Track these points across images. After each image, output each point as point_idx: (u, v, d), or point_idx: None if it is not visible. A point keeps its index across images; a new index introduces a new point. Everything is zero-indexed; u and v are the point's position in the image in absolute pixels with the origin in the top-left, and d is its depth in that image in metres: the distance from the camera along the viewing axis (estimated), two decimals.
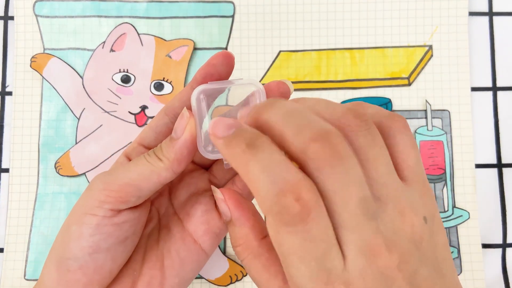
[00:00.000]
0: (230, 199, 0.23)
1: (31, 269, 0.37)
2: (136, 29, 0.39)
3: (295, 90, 0.39)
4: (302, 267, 0.17)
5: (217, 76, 0.25)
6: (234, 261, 0.37)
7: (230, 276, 0.36)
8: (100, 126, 0.38)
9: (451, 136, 0.38)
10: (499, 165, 0.39)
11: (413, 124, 0.39)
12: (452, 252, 0.37)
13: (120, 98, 0.38)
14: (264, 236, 0.22)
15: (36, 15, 0.39)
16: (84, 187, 0.37)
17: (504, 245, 0.38)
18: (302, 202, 0.17)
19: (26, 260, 0.37)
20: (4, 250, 0.37)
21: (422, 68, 0.39)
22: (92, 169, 0.38)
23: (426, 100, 0.39)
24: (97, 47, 0.39)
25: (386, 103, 0.39)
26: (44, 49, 0.39)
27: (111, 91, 0.38)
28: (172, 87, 0.38)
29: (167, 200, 0.28)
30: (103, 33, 0.39)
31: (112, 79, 0.38)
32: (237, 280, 0.36)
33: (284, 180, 0.17)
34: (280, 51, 0.39)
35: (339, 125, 0.18)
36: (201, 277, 0.37)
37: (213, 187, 0.24)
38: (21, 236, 0.37)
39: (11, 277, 0.37)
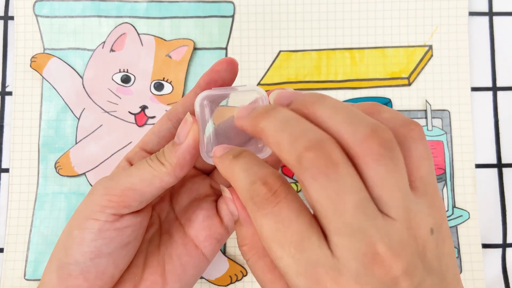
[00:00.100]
0: (238, 199, 0.23)
1: (31, 269, 0.37)
2: (136, 29, 0.39)
3: (296, 90, 0.39)
4: (284, 254, 0.18)
5: (220, 82, 0.25)
6: (234, 261, 0.37)
7: (230, 276, 0.36)
8: (100, 126, 0.38)
9: (451, 136, 0.38)
10: (499, 165, 0.39)
11: None
12: None
13: (120, 98, 0.38)
14: None
15: (36, 15, 0.39)
16: (84, 187, 0.38)
17: (504, 245, 0.38)
18: (268, 185, 0.19)
19: (26, 260, 0.37)
20: (4, 250, 0.37)
21: (422, 68, 0.39)
22: (92, 169, 0.38)
23: (426, 100, 0.39)
24: (97, 47, 0.39)
25: (386, 103, 0.39)
26: (44, 49, 0.39)
27: (111, 91, 0.38)
28: (172, 87, 0.38)
29: (168, 205, 0.28)
30: (103, 33, 0.39)
31: (112, 79, 0.38)
32: (237, 280, 0.37)
33: (256, 173, 0.20)
34: (280, 51, 0.39)
35: (359, 150, 0.18)
36: (201, 277, 0.37)
37: (222, 186, 0.24)
38: (21, 236, 0.37)
39: (11, 277, 0.37)
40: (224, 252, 0.37)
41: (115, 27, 0.39)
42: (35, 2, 0.39)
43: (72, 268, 0.24)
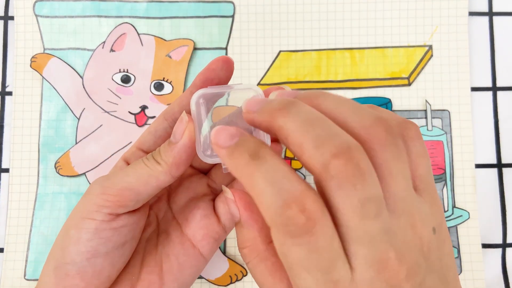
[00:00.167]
0: (240, 200, 0.22)
1: (31, 269, 0.37)
2: (136, 29, 0.39)
3: (294, 90, 0.39)
4: (309, 278, 0.17)
5: (216, 81, 0.25)
6: (234, 261, 0.37)
7: (230, 276, 0.36)
8: (100, 126, 0.38)
9: (451, 136, 0.38)
10: (499, 165, 0.39)
11: None
12: None
13: (120, 98, 0.38)
14: (271, 240, 0.21)
15: (36, 15, 0.39)
16: (84, 187, 0.38)
17: (504, 245, 0.38)
18: (307, 213, 0.17)
19: (26, 260, 0.37)
20: (4, 250, 0.37)
21: (422, 68, 0.39)
22: (92, 169, 0.38)
23: (426, 100, 0.39)
24: (97, 47, 0.39)
25: (386, 103, 0.39)
26: (44, 49, 0.39)
27: (111, 91, 0.38)
28: (172, 87, 0.38)
29: (166, 204, 0.28)
30: (103, 33, 0.39)
31: (112, 79, 0.38)
32: (237, 280, 0.36)
33: (289, 191, 0.17)
34: (280, 51, 0.39)
35: (367, 137, 0.18)
36: (201, 277, 0.37)
37: (224, 187, 0.24)
38: (21, 236, 0.37)
39: (11, 277, 0.37)
40: (224, 252, 0.37)
41: (115, 27, 0.39)
42: (35, 2, 0.39)
43: (69, 268, 0.24)
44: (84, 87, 0.38)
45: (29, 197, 0.38)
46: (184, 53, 0.38)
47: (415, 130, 0.20)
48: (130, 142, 0.38)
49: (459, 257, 0.38)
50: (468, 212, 0.38)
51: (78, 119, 0.38)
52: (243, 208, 0.22)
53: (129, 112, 0.38)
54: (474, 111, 0.39)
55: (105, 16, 0.39)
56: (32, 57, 0.38)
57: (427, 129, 0.38)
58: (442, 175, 0.38)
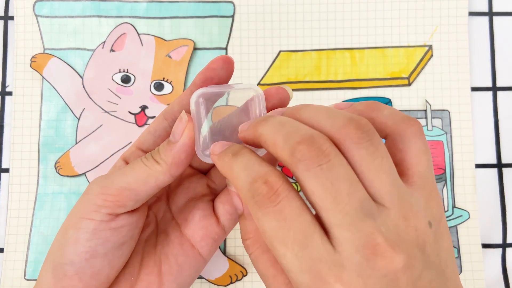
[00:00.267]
0: None
1: (31, 269, 0.37)
2: (136, 29, 0.39)
3: (296, 90, 0.39)
4: (288, 253, 0.18)
5: (216, 80, 0.25)
6: (234, 261, 0.37)
7: (230, 276, 0.36)
8: (100, 126, 0.38)
9: (451, 136, 0.38)
10: (499, 165, 0.39)
11: None
12: None
13: (120, 98, 0.38)
14: None
15: (36, 15, 0.39)
16: (84, 187, 0.37)
17: (504, 245, 0.38)
18: (270, 184, 0.19)
19: (26, 260, 0.37)
20: (4, 250, 0.37)
21: (422, 68, 0.39)
22: (92, 169, 0.38)
23: (426, 100, 0.39)
24: (97, 47, 0.39)
25: (386, 103, 0.39)
26: (44, 49, 0.39)
27: (111, 91, 0.38)
28: (172, 87, 0.38)
29: (165, 205, 0.28)
30: (103, 33, 0.39)
31: (112, 79, 0.38)
32: (237, 280, 0.36)
33: (256, 171, 0.20)
34: (280, 51, 0.39)
35: (340, 137, 0.19)
36: (201, 277, 0.37)
37: (227, 181, 0.24)
38: (21, 236, 0.37)
39: (11, 277, 0.37)
40: (224, 252, 0.37)
41: (115, 27, 0.39)
42: (35, 2, 0.39)
43: (67, 268, 0.24)
44: (84, 87, 0.38)
45: (29, 197, 0.38)
46: (184, 53, 0.38)
47: (417, 127, 0.20)
48: (130, 142, 0.38)
49: (459, 257, 0.38)
50: (468, 212, 0.38)
51: (78, 119, 0.38)
52: None
53: (129, 112, 0.38)
54: (474, 111, 0.39)
55: (105, 16, 0.39)
56: (32, 57, 0.38)
57: (427, 129, 0.38)
58: (442, 175, 0.38)
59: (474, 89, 0.39)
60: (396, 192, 0.19)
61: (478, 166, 0.39)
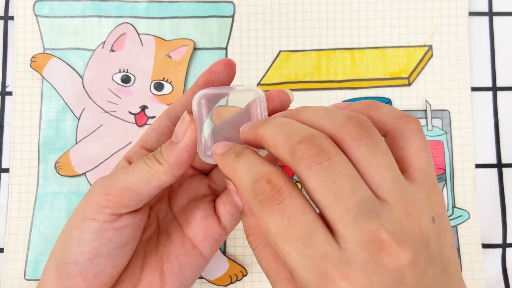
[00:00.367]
0: None
1: (31, 269, 0.37)
2: (136, 29, 0.39)
3: (296, 90, 0.39)
4: (292, 251, 0.18)
5: (218, 83, 0.26)
6: (234, 261, 0.37)
7: (230, 276, 0.36)
8: (100, 126, 0.38)
9: (451, 136, 0.38)
10: (499, 165, 0.39)
11: None
12: None
13: (120, 98, 0.38)
14: None
15: (36, 15, 0.39)
16: (84, 187, 0.38)
17: (504, 245, 0.38)
18: (273, 183, 0.19)
19: (26, 260, 0.37)
20: (4, 250, 0.37)
21: (422, 68, 0.39)
22: (92, 169, 0.38)
23: (426, 100, 0.39)
24: (97, 47, 0.39)
25: (386, 103, 0.39)
26: (44, 49, 0.39)
27: (111, 91, 0.38)
28: (172, 87, 0.38)
29: (166, 205, 0.28)
30: (103, 33, 0.39)
31: (112, 79, 0.38)
32: (237, 280, 0.37)
33: (259, 171, 0.20)
34: (280, 51, 0.39)
35: (340, 135, 0.19)
36: (201, 277, 0.37)
37: (226, 180, 0.25)
38: (21, 236, 0.37)
39: (11, 277, 0.37)
40: (224, 252, 0.37)
41: (115, 27, 0.39)
42: (35, 2, 0.39)
43: (71, 268, 0.24)
44: (84, 87, 0.38)
45: (29, 197, 0.38)
46: (184, 53, 0.38)
47: (416, 124, 0.21)
48: (130, 142, 0.38)
49: (459, 257, 0.38)
50: (468, 212, 0.38)
51: (78, 119, 0.38)
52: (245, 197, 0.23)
53: (129, 112, 0.38)
54: (474, 111, 0.39)
55: (105, 16, 0.39)
56: (32, 57, 0.38)
57: (427, 129, 0.38)
58: (442, 175, 0.38)
59: (474, 89, 0.39)
60: (398, 187, 0.19)
61: (478, 166, 0.39)
